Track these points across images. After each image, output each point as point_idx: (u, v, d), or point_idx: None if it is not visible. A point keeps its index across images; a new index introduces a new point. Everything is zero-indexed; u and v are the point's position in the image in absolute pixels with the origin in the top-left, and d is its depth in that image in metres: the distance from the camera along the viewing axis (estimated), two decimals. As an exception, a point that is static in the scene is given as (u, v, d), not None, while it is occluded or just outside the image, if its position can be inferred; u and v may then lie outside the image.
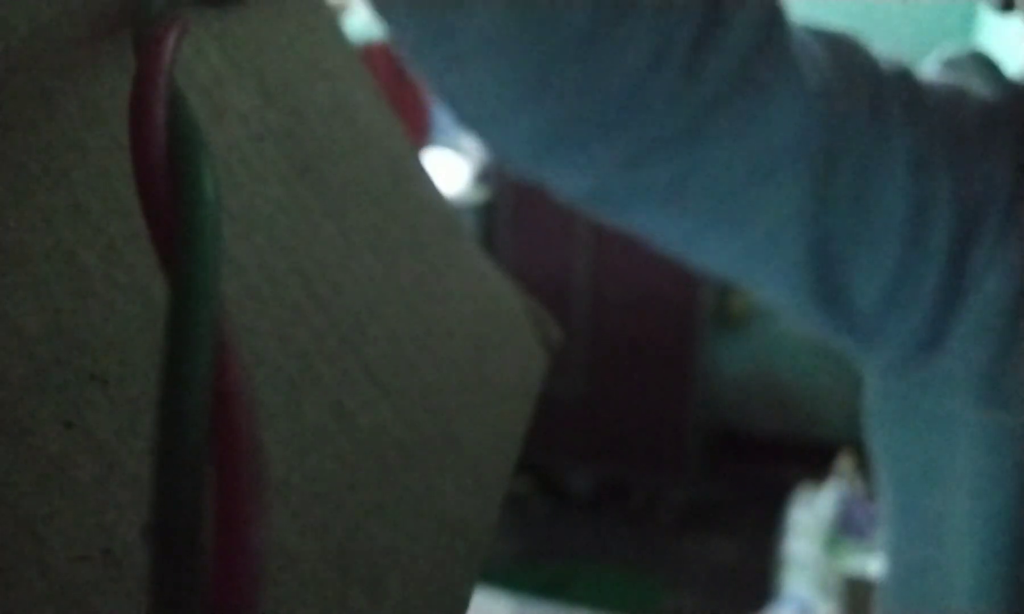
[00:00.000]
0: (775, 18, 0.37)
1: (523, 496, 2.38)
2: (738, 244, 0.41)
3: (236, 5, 0.18)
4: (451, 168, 2.64)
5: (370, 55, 2.62)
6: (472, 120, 0.38)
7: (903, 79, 0.41)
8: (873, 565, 1.88)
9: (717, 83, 0.35)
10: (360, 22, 2.71)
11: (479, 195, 2.53)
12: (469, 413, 0.21)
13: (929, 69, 0.44)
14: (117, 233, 0.15)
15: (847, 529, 2.04)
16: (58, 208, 0.14)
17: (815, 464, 2.35)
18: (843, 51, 0.40)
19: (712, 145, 0.37)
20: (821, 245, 0.40)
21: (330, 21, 0.20)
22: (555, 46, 0.33)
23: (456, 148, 2.79)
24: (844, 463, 2.18)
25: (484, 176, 2.56)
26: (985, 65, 0.43)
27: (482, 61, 0.34)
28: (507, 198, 2.40)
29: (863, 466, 2.19)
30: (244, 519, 0.09)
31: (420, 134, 2.82)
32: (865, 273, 0.41)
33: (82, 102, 0.15)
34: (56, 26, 0.15)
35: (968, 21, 2.29)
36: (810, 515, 2.12)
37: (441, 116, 2.88)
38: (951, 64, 0.44)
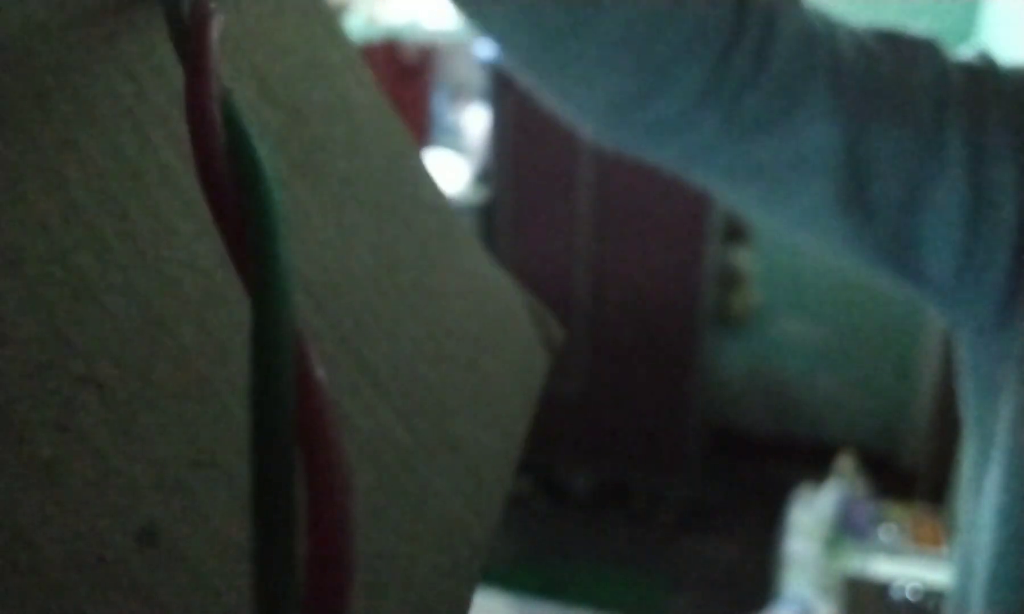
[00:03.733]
0: (805, 59, 0.44)
1: (523, 496, 2.38)
2: (790, 216, 0.49)
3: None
4: (451, 168, 2.64)
5: (370, 55, 2.62)
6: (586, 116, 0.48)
7: (968, 75, 0.45)
8: (873, 565, 1.88)
9: (754, 111, 0.43)
10: (360, 21, 2.71)
11: (479, 195, 2.53)
12: (469, 414, 0.21)
13: None
14: (112, 234, 0.15)
15: (847, 529, 2.04)
16: (52, 209, 0.14)
17: (815, 464, 2.35)
18: (905, 56, 0.45)
19: (752, 148, 0.45)
20: (871, 227, 0.46)
21: (329, 20, 0.20)
22: (638, 84, 0.43)
23: (456, 148, 2.79)
24: (844, 463, 2.18)
25: (484, 176, 2.56)
26: None
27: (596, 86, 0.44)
28: (507, 198, 2.40)
29: (863, 466, 2.19)
30: (335, 522, 0.09)
31: (420, 134, 2.82)
32: (934, 250, 0.45)
33: (77, 103, 0.14)
34: (50, 26, 0.14)
35: (970, 20, 2.29)
36: (810, 515, 2.12)
37: (441, 116, 2.88)
38: None
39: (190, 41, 0.14)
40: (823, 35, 0.44)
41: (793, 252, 2.73)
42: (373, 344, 0.19)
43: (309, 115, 0.19)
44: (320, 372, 0.10)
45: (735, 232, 2.68)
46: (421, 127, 2.86)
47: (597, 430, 2.40)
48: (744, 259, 2.67)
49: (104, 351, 0.14)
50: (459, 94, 2.90)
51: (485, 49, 2.41)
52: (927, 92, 0.44)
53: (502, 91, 2.38)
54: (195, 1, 0.15)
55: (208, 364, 0.16)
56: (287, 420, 0.09)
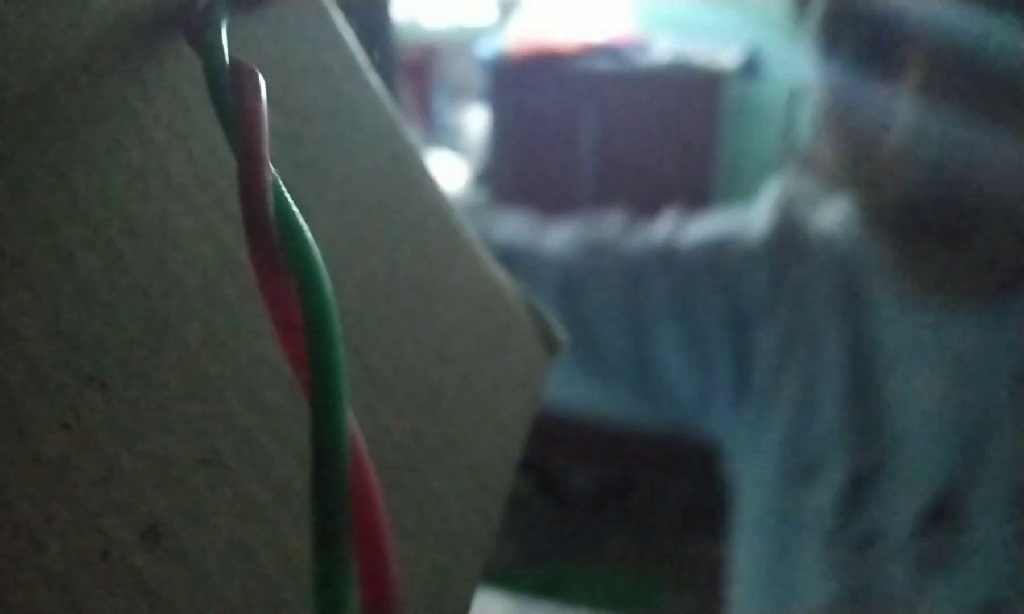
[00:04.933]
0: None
1: (523, 496, 2.38)
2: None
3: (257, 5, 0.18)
4: (452, 168, 2.64)
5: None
6: None
7: (659, 256, 0.57)
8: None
9: None
10: (360, 22, 2.71)
11: (478, 195, 2.54)
12: (471, 415, 0.21)
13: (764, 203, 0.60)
14: (116, 234, 0.15)
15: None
16: (57, 208, 0.14)
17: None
18: (594, 250, 0.57)
19: None
20: (610, 380, 0.60)
21: (331, 21, 0.20)
22: None
23: (456, 148, 2.79)
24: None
25: (483, 176, 2.57)
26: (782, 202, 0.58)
27: None
28: (505, 197, 2.41)
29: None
30: (386, 567, 0.11)
31: (421, 134, 2.82)
32: (678, 379, 0.58)
33: (82, 102, 0.15)
34: (56, 27, 0.14)
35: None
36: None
37: (441, 116, 2.88)
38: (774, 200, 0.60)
39: (237, 114, 0.14)
40: None
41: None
42: (374, 344, 0.19)
43: (312, 117, 0.19)
44: (372, 471, 0.11)
45: (735, 232, 2.68)
46: (422, 127, 2.86)
47: (597, 430, 2.40)
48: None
49: (109, 350, 0.14)
50: (459, 94, 2.90)
51: (484, 50, 2.41)
52: (617, 267, 0.58)
53: (501, 92, 2.38)
54: (235, 66, 0.14)
55: (212, 364, 0.16)
56: (344, 514, 0.11)
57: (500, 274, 0.24)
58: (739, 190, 2.68)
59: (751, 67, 2.53)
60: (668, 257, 0.57)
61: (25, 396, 0.13)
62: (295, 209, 0.13)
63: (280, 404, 0.16)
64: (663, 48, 2.45)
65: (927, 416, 0.45)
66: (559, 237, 0.58)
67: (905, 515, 0.44)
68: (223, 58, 0.14)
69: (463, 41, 2.68)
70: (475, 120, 2.70)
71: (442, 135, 2.87)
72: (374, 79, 0.21)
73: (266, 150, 0.13)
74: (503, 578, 1.98)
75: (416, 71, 2.84)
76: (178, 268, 0.15)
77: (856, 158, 0.46)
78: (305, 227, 0.13)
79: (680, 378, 0.58)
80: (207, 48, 0.15)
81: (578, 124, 2.36)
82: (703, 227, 0.59)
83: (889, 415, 0.45)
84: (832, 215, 0.55)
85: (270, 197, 0.13)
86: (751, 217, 0.58)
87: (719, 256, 0.57)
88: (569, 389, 0.61)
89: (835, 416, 0.48)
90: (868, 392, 0.46)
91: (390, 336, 0.19)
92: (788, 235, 0.55)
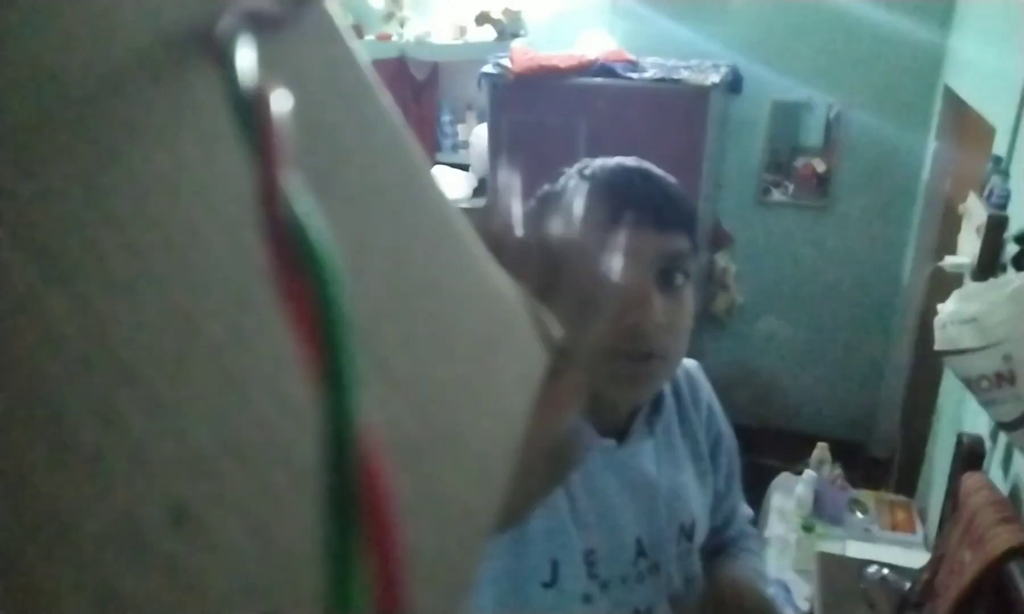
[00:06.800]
0: None
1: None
2: None
3: (278, 28, 0.18)
4: (453, 181, 2.65)
5: (382, 71, 2.61)
6: None
7: None
8: (847, 547, 1.88)
9: None
10: (370, 40, 2.71)
11: (477, 204, 2.56)
12: (475, 407, 0.21)
13: None
14: (147, 240, 0.15)
15: (823, 514, 2.04)
16: (90, 214, 0.14)
17: (793, 453, 2.35)
18: None
19: None
20: None
21: (345, 41, 0.20)
22: None
23: (458, 160, 2.79)
24: (820, 453, 2.18)
25: (481, 188, 2.58)
26: None
27: None
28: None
29: (837, 456, 2.19)
30: (392, 545, 0.11)
31: (427, 146, 2.82)
32: None
33: (113, 117, 0.15)
34: (86, 49, 0.15)
35: (945, 24, 2.29)
36: (788, 501, 2.12)
37: (445, 130, 2.88)
38: None
39: (256, 131, 0.14)
40: None
41: (772, 257, 2.73)
42: (385, 341, 0.19)
43: (327, 131, 0.19)
44: (382, 459, 0.11)
45: (719, 238, 2.68)
46: (426, 143, 2.86)
47: (590, 422, 2.40)
48: (727, 263, 2.67)
49: (140, 345, 0.14)
50: (462, 109, 2.90)
51: (487, 67, 2.41)
52: None
53: (502, 106, 2.38)
54: (255, 83, 0.14)
55: (236, 358, 0.16)
56: (353, 496, 0.10)
57: (502, 276, 0.24)
58: (723, 196, 2.68)
59: (734, 83, 2.53)
60: None
61: (60, 387, 0.13)
62: (309, 214, 0.13)
63: (299, 395, 0.17)
64: (652, 66, 2.45)
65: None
66: None
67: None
68: (243, 76, 0.14)
69: (467, 59, 2.68)
70: (476, 134, 2.70)
71: (447, 147, 2.87)
72: (384, 96, 0.21)
73: (282, 161, 0.13)
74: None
75: (424, 87, 2.84)
76: (205, 270, 0.16)
77: None
78: (318, 231, 0.13)
79: None
80: (228, 67, 0.15)
81: (574, 135, 2.36)
82: None
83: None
84: None
85: (285, 203, 0.13)
86: None
87: None
88: None
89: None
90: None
91: (400, 334, 0.20)
92: None
